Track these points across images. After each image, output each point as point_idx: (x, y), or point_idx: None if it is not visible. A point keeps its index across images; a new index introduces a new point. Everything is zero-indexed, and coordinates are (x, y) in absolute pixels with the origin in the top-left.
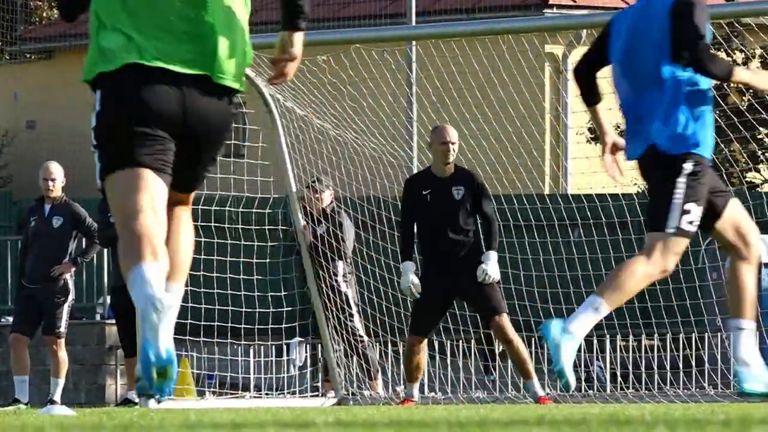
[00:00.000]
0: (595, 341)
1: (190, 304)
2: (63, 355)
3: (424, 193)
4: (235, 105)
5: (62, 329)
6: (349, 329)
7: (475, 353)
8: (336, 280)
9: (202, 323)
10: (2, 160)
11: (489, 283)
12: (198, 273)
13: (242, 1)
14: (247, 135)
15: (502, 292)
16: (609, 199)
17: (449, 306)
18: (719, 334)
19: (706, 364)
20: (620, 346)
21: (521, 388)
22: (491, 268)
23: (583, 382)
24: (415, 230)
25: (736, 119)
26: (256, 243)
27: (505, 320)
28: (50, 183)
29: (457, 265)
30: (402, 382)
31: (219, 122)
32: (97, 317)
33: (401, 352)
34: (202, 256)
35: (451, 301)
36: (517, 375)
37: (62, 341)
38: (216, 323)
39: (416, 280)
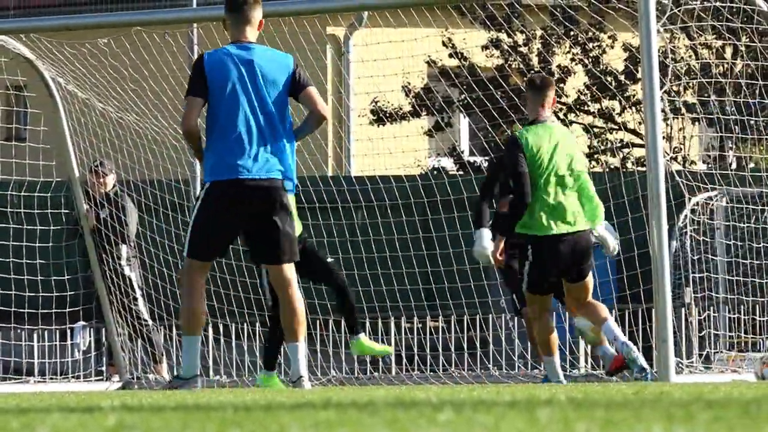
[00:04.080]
0: (380, 323)
1: None
2: None
3: None
4: None
5: None
6: (134, 313)
7: (260, 335)
8: (119, 264)
9: None
10: None
11: None
12: None
13: None
14: (29, 118)
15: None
16: (392, 180)
17: None
18: (503, 315)
19: (491, 346)
20: (405, 327)
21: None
22: None
23: (368, 364)
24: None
25: (518, 100)
26: (38, 227)
27: None
28: None
29: None
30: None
31: None
32: None
33: None
34: None
35: None
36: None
37: None
38: None
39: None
